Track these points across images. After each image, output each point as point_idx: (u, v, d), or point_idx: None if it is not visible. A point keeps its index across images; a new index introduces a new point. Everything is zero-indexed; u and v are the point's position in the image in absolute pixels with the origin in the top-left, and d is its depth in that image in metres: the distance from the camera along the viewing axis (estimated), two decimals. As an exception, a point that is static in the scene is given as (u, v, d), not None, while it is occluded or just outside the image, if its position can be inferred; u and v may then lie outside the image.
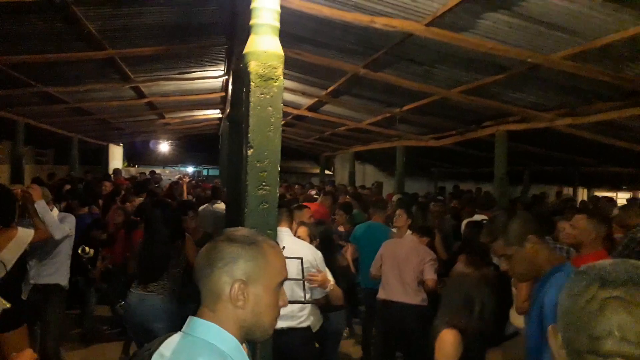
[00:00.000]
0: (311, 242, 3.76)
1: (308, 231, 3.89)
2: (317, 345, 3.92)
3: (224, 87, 8.79)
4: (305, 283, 3.29)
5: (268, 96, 2.56)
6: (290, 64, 4.75)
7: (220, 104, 10.80)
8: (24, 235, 3.48)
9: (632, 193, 15.36)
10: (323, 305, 3.70)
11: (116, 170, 12.69)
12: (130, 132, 14.79)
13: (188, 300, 3.43)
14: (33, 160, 14.35)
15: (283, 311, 1.29)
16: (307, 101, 9.14)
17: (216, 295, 1.19)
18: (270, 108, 2.56)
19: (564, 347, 0.87)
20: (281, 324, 1.12)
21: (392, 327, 4.49)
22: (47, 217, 3.78)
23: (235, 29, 5.21)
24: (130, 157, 20.92)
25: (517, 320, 3.39)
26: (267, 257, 1.22)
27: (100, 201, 7.29)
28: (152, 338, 1.28)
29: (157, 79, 7.71)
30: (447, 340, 2.17)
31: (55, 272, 4.20)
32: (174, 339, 1.19)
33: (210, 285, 1.19)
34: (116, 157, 17.30)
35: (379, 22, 4.04)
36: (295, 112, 10.02)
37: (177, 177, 13.05)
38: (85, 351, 5.36)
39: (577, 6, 3.39)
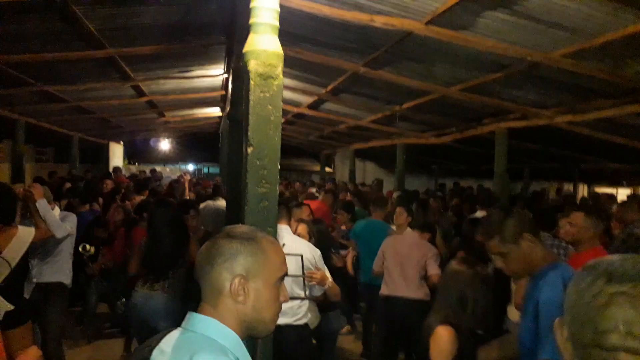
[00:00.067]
0: (310, 239, 3.78)
1: (307, 229, 3.91)
2: (315, 342, 3.95)
3: (224, 86, 8.80)
4: (305, 280, 3.31)
5: (268, 95, 2.57)
6: (290, 62, 4.76)
7: (220, 102, 10.81)
8: (25, 234, 3.50)
9: (632, 189, 15.38)
10: (321, 302, 3.72)
11: (116, 169, 12.71)
12: (131, 130, 14.80)
13: (191, 299, 3.45)
14: (33, 159, 14.36)
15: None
16: (307, 99, 9.15)
17: (217, 291, 1.20)
18: (270, 106, 2.58)
19: (570, 340, 0.88)
20: (278, 321, 1.14)
21: (394, 323, 4.51)
22: (48, 216, 3.80)
23: (234, 27, 5.22)
24: (130, 155, 20.92)
25: (515, 316, 3.41)
26: (266, 253, 1.24)
27: (101, 199, 7.31)
28: (156, 337, 1.30)
29: (157, 78, 7.72)
30: (443, 337, 2.19)
31: (58, 270, 4.22)
32: (174, 335, 1.20)
33: (210, 282, 1.21)
34: (117, 155, 17.31)
35: (379, 21, 4.04)
36: (296, 110, 10.02)
37: (177, 175, 13.06)
38: (87, 348, 5.38)
39: (576, 4, 3.39)
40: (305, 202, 5.94)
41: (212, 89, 9.32)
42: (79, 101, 8.79)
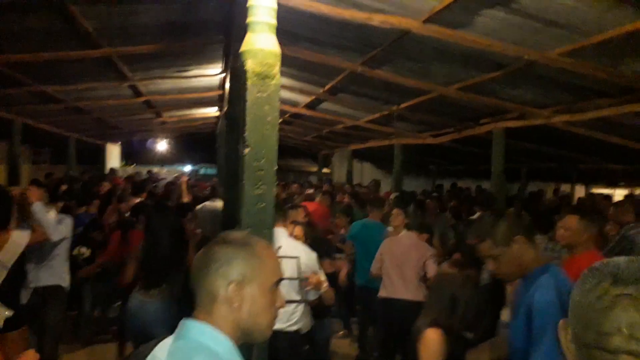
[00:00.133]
0: (305, 241, 3.77)
1: (303, 231, 3.90)
2: (307, 347, 3.93)
3: (222, 85, 8.77)
4: (300, 283, 3.29)
5: (265, 94, 2.55)
6: (287, 61, 4.73)
7: (218, 102, 10.78)
8: (20, 237, 3.47)
9: (629, 190, 15.38)
10: (315, 307, 3.70)
11: (111, 170, 12.66)
12: (128, 131, 14.75)
13: (188, 304, 3.42)
14: (30, 160, 14.31)
15: None
16: (304, 99, 9.12)
17: (212, 297, 1.19)
18: (267, 106, 2.56)
19: (573, 341, 0.88)
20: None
21: (393, 325, 4.49)
22: (44, 219, 3.76)
23: (232, 26, 5.19)
24: (127, 156, 20.87)
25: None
26: (261, 258, 1.23)
27: (97, 201, 7.27)
28: (152, 343, 1.29)
29: (155, 77, 7.68)
30: (432, 340, 2.19)
31: (54, 273, 4.20)
32: (168, 342, 1.19)
33: (205, 287, 1.20)
34: (114, 156, 17.25)
35: (376, 20, 4.03)
36: (293, 110, 10.00)
37: (174, 176, 13.02)
38: (81, 352, 5.36)
39: (573, 2, 3.38)
40: (302, 203, 5.92)
41: (210, 88, 9.29)
42: (76, 101, 8.75)
